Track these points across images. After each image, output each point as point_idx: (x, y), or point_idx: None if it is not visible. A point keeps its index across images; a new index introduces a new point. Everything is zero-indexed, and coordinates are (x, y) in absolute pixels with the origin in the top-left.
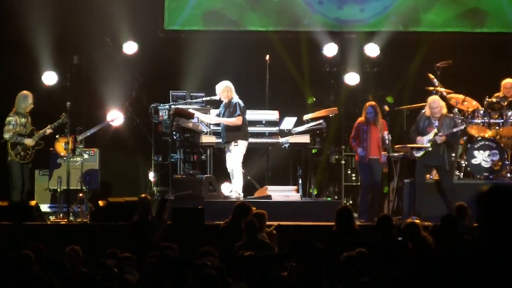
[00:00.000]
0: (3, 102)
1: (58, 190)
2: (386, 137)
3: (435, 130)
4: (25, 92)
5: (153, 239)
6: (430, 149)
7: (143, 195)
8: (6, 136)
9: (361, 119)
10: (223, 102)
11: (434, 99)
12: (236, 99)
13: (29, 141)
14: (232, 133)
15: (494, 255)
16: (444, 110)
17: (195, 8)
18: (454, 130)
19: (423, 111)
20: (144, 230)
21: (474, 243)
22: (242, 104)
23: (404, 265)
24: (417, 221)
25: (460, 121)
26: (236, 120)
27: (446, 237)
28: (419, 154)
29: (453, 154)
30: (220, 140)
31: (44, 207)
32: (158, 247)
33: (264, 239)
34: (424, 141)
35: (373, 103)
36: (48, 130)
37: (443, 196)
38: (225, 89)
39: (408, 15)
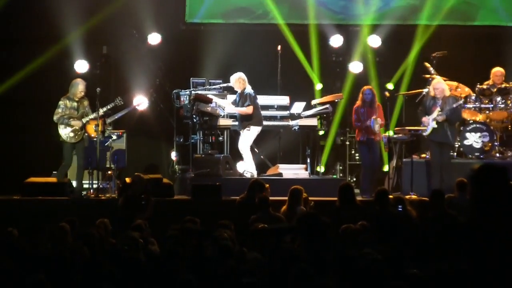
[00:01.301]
0: (41, 87)
1: (89, 168)
2: (372, 123)
3: (438, 109)
4: (77, 79)
5: (144, 217)
6: (436, 126)
7: (136, 174)
8: (54, 118)
9: (358, 103)
10: (238, 91)
11: (438, 81)
12: (248, 89)
13: (76, 123)
14: (246, 122)
15: (485, 226)
16: (447, 92)
17: (213, 3)
18: (454, 105)
19: (424, 91)
20: (136, 207)
21: (460, 216)
22: (253, 94)
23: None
24: (414, 196)
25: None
26: (246, 109)
27: (432, 211)
28: (427, 132)
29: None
30: (236, 123)
31: (76, 184)
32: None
33: (302, 211)
34: (430, 120)
35: (370, 86)
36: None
37: (436, 173)
38: (238, 80)
39: (406, 10)
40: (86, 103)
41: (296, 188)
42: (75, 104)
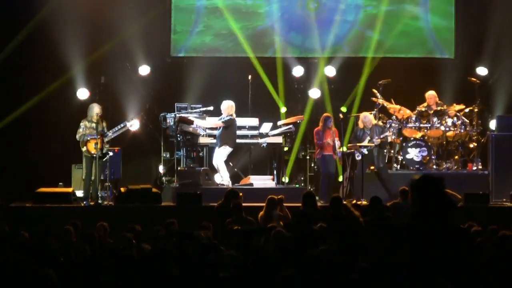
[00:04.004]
0: (49, 111)
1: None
2: (337, 144)
3: (368, 138)
4: (93, 104)
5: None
6: (367, 152)
7: None
8: (76, 137)
9: (318, 128)
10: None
11: (365, 115)
12: (232, 116)
13: (93, 141)
14: (223, 140)
15: (424, 226)
16: (374, 122)
17: (194, 40)
18: (382, 136)
19: (372, 113)
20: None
21: (396, 219)
22: (232, 120)
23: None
24: (365, 202)
25: (386, 128)
26: (215, 122)
27: (372, 214)
28: (359, 158)
29: (392, 151)
30: (214, 141)
31: (79, 193)
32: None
33: (277, 214)
34: (362, 148)
35: (329, 114)
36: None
37: (382, 183)
38: (229, 107)
39: (356, 45)
40: (104, 124)
41: (271, 197)
42: (93, 124)
